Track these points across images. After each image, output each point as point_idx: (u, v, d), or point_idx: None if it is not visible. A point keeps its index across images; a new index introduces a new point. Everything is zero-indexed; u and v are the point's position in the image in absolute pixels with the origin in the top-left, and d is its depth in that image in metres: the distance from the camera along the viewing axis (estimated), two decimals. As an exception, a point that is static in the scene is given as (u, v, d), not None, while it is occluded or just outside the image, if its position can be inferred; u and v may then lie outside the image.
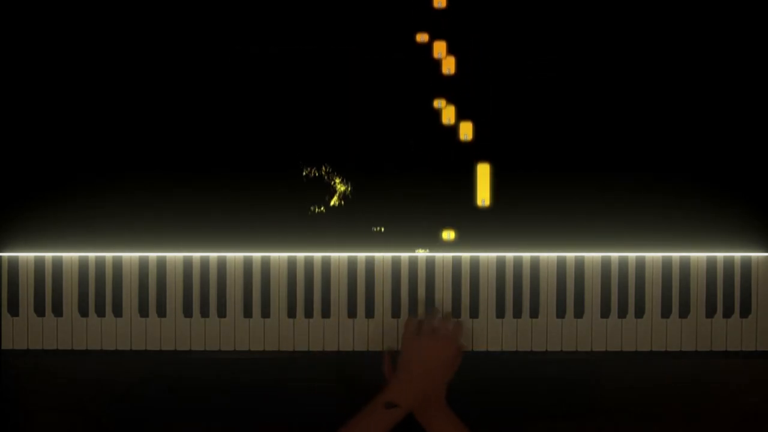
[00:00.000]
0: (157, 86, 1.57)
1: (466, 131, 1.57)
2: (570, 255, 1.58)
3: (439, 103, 1.57)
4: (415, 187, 1.57)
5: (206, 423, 1.66)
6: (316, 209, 1.57)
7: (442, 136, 1.57)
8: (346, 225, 1.57)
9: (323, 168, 1.57)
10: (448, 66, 1.57)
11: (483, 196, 1.56)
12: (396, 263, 1.58)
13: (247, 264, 1.58)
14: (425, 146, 1.57)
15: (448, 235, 1.57)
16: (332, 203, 1.57)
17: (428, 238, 1.57)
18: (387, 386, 1.46)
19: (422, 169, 1.57)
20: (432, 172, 1.57)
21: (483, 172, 1.56)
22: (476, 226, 1.57)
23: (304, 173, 1.57)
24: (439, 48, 1.57)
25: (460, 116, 1.57)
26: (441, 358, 1.47)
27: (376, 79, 1.57)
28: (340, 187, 1.57)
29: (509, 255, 1.58)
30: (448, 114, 1.57)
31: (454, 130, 1.57)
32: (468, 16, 1.57)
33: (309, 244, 1.57)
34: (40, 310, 1.58)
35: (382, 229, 1.56)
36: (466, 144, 1.57)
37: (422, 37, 1.57)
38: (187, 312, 1.58)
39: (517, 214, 1.57)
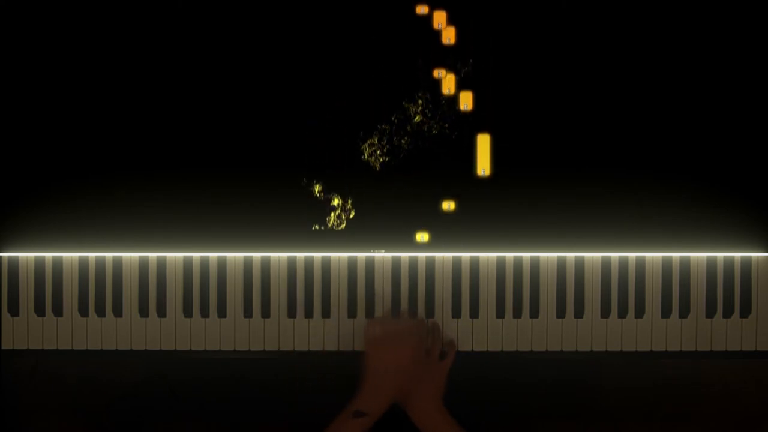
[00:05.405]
0: (157, 86, 1.57)
1: (466, 101, 1.57)
2: (570, 255, 1.58)
3: (439, 73, 1.57)
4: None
5: (206, 423, 1.66)
6: (317, 226, 1.57)
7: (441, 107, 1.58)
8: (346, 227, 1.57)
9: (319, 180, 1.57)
10: (448, 36, 1.57)
11: (483, 166, 1.55)
12: (396, 263, 1.58)
13: (247, 264, 1.58)
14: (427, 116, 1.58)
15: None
16: (335, 212, 1.57)
17: (428, 217, 1.57)
18: (355, 395, 1.46)
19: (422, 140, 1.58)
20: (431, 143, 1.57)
21: (483, 143, 1.55)
22: (476, 226, 1.57)
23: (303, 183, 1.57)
24: (439, 19, 1.57)
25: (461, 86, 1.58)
26: (403, 361, 1.46)
27: (375, 52, 1.58)
28: (337, 201, 1.57)
29: (509, 255, 1.58)
30: (448, 84, 1.57)
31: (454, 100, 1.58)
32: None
33: (309, 244, 1.57)
34: (40, 310, 1.58)
35: (383, 251, 1.57)
36: (466, 114, 1.57)
37: (422, 9, 1.57)
38: (187, 312, 1.58)
39: (517, 214, 1.57)
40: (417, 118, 1.54)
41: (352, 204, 1.57)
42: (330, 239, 1.57)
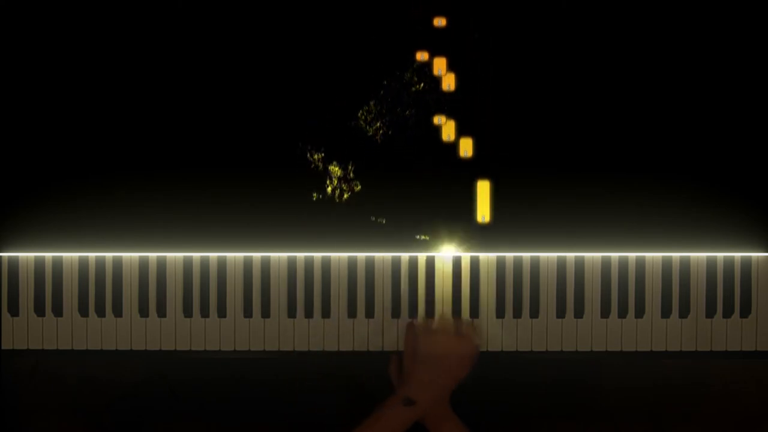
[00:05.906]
0: (156, 86, 1.57)
1: (466, 147, 1.57)
2: (570, 255, 1.58)
3: (439, 119, 1.57)
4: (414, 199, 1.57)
5: (206, 423, 1.66)
6: (317, 196, 1.57)
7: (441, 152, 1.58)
8: (346, 226, 1.57)
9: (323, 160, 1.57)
10: (448, 83, 1.57)
11: (483, 212, 1.56)
12: (396, 263, 1.58)
13: (247, 264, 1.58)
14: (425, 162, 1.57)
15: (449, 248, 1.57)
16: (332, 193, 1.57)
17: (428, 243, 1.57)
18: (405, 383, 1.45)
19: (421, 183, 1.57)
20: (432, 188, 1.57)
21: (483, 190, 1.56)
22: (477, 227, 1.57)
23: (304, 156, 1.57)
24: (439, 65, 1.57)
25: (461, 132, 1.57)
26: (459, 356, 1.47)
27: (376, 97, 1.57)
28: (337, 180, 1.57)
29: (509, 255, 1.58)
30: (448, 130, 1.57)
31: (454, 146, 1.57)
32: (467, 33, 1.57)
33: (309, 244, 1.57)
34: (40, 310, 1.58)
35: (384, 221, 1.55)
36: (466, 160, 1.57)
37: (422, 55, 1.57)
38: (187, 312, 1.58)
39: (517, 215, 1.57)
40: (417, 87, 1.53)
41: (354, 174, 1.56)
42: (331, 211, 1.56)
